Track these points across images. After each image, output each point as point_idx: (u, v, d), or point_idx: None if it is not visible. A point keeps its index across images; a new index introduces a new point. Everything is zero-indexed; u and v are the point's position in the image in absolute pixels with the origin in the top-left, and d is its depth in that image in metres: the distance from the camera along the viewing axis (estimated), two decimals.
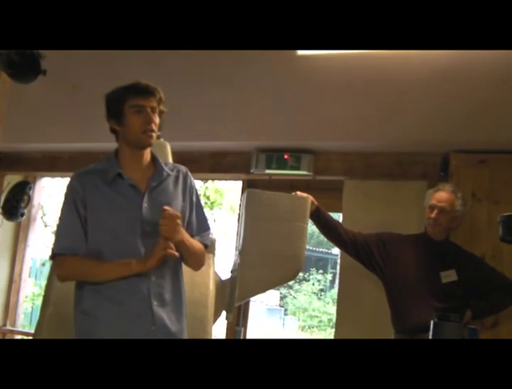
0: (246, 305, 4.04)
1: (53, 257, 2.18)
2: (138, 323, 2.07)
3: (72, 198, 2.14)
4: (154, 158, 2.26)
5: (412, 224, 3.42)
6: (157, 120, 2.18)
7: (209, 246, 2.34)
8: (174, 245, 2.09)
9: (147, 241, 2.12)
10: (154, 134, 2.17)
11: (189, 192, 2.27)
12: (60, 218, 2.18)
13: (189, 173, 2.31)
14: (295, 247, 3.00)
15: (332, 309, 10.19)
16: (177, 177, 2.26)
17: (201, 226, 2.29)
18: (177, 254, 2.10)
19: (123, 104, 2.15)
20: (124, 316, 2.07)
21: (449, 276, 2.98)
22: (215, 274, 2.87)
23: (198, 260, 2.28)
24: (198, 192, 2.34)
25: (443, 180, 3.41)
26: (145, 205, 2.14)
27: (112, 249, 2.10)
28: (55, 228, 2.22)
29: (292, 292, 11.95)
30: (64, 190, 2.23)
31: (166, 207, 2.07)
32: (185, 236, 2.15)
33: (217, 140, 3.94)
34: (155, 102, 2.17)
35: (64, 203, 2.18)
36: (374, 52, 3.35)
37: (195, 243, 2.22)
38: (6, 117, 3.19)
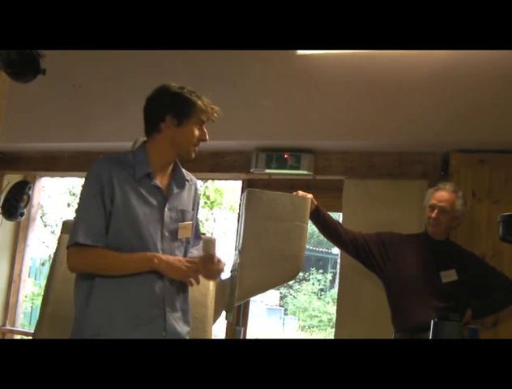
0: (246, 304, 4.04)
1: (70, 246, 2.06)
2: (149, 328, 2.06)
3: (100, 188, 2.04)
4: (176, 164, 2.24)
5: (413, 223, 3.42)
6: None
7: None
8: None
9: (164, 245, 2.12)
10: None
11: (197, 203, 2.31)
12: (83, 205, 2.08)
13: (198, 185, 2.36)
14: (295, 247, 3.00)
15: (332, 309, 10.20)
16: (190, 186, 2.27)
17: (197, 236, 2.32)
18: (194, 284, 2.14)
19: (194, 111, 2.12)
20: (136, 318, 2.05)
21: (449, 276, 2.98)
22: None
23: None
24: (198, 192, 2.36)
25: (443, 179, 3.41)
26: (166, 209, 2.13)
27: (133, 248, 2.06)
28: (76, 214, 2.09)
29: (292, 291, 11.96)
30: (83, 176, 2.10)
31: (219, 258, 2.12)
32: None
33: (217, 139, 3.90)
34: None
35: (89, 190, 2.07)
36: (374, 52, 3.35)
37: None
38: (6, 116, 3.19)
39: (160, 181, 2.15)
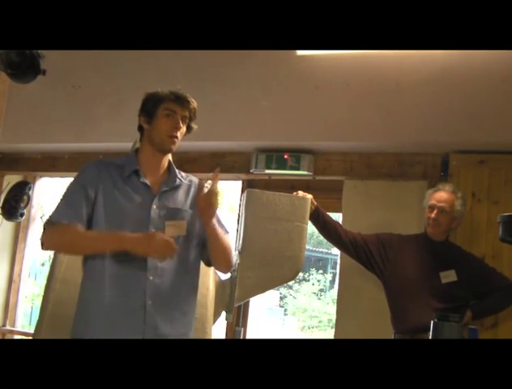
0: (246, 305, 4.04)
1: (46, 224, 2.14)
2: (129, 320, 2.08)
3: (84, 179, 2.16)
4: (170, 165, 2.30)
5: (412, 224, 3.42)
6: (183, 130, 2.24)
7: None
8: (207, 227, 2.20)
9: None
10: (177, 141, 2.22)
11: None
12: (64, 192, 2.18)
13: None
14: (294, 247, 3.00)
15: (332, 310, 10.17)
16: (189, 186, 2.30)
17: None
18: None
19: (158, 105, 2.21)
20: (118, 309, 2.08)
21: (448, 276, 2.98)
22: (215, 274, 2.86)
23: (226, 255, 2.30)
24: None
25: (443, 180, 3.41)
26: (154, 207, 2.17)
27: None
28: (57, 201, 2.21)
29: (291, 292, 11.94)
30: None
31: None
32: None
33: (217, 140, 3.94)
34: (188, 112, 2.23)
35: (73, 181, 2.19)
36: (374, 52, 3.35)
37: (225, 236, 2.30)
38: (6, 116, 3.19)
39: (152, 180, 2.21)
